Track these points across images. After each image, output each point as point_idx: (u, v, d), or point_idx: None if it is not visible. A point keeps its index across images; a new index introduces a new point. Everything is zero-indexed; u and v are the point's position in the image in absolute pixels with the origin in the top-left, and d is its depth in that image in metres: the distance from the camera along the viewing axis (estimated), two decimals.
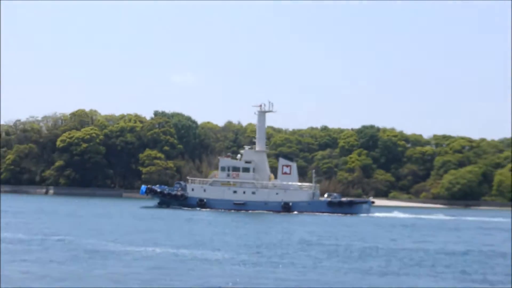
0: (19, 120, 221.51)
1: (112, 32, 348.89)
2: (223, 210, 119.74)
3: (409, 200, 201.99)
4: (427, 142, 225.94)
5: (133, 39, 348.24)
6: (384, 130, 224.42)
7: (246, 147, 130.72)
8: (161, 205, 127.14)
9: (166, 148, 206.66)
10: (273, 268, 45.39)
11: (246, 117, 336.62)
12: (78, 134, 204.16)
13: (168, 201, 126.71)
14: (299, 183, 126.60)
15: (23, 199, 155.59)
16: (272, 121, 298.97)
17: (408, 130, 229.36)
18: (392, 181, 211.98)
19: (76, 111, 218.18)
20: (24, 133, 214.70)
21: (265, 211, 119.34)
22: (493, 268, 49.18)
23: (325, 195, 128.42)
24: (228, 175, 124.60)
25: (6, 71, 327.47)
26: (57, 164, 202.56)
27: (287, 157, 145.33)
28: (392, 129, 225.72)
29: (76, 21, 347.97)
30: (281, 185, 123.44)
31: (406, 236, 76.41)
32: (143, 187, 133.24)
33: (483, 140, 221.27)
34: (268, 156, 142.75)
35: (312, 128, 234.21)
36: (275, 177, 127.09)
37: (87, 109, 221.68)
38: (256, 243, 60.87)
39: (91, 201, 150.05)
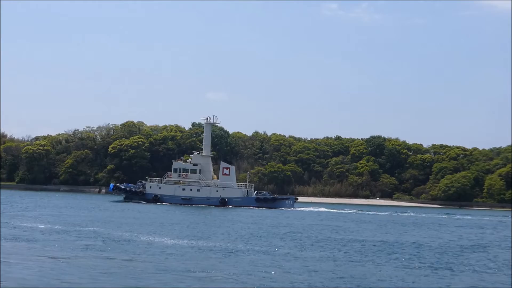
0: (77, 130, 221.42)
1: (155, 56, 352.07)
2: (173, 204, 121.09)
3: (411, 200, 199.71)
4: (427, 151, 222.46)
5: (174, 62, 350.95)
6: (390, 140, 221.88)
7: (195, 152, 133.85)
8: (125, 199, 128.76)
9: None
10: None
11: (270, 128, 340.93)
12: (127, 142, 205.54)
13: (130, 196, 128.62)
14: (236, 183, 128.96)
15: (80, 197, 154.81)
16: (293, 131, 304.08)
17: (410, 140, 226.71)
18: (396, 184, 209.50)
19: (126, 122, 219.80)
20: (81, 141, 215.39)
21: (207, 205, 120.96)
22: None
23: (255, 193, 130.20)
24: (179, 175, 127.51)
25: (64, 89, 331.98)
26: (108, 167, 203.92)
27: (227, 161, 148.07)
28: (396, 139, 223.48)
29: (124, 43, 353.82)
30: (221, 184, 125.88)
31: (303, 223, 79.50)
32: (111, 185, 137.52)
33: (475, 149, 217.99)
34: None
35: (327, 138, 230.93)
36: (218, 178, 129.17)
37: (135, 121, 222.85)
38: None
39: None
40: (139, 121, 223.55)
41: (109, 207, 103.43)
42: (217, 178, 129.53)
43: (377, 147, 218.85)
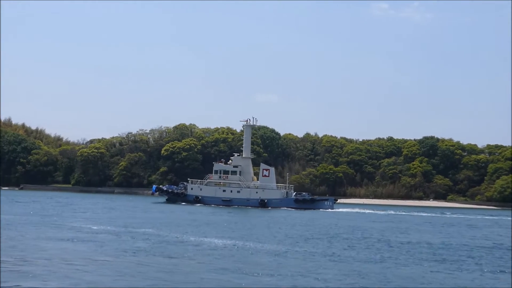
0: (130, 133, 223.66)
1: (203, 57, 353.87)
2: (213, 205, 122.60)
3: (465, 202, 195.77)
4: (481, 151, 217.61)
5: (222, 64, 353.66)
6: (443, 140, 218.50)
7: (235, 154, 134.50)
8: (168, 201, 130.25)
9: (253, 156, 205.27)
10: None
11: (321, 129, 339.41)
12: (179, 144, 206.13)
13: (172, 198, 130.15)
14: (276, 184, 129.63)
15: (132, 198, 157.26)
16: (344, 132, 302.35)
17: (464, 141, 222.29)
18: (450, 185, 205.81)
19: (178, 125, 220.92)
20: (135, 143, 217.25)
21: (247, 207, 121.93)
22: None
23: (294, 194, 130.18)
24: (220, 177, 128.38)
25: (118, 95, 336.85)
26: (161, 169, 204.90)
27: (267, 162, 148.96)
28: (450, 140, 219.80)
29: (173, 44, 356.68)
30: (260, 185, 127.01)
31: (350, 224, 79.34)
32: (154, 186, 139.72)
33: None
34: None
35: (379, 139, 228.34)
36: (258, 179, 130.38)
37: (187, 123, 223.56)
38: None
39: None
40: (191, 124, 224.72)
41: (153, 209, 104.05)
42: (257, 179, 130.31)
43: (430, 147, 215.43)
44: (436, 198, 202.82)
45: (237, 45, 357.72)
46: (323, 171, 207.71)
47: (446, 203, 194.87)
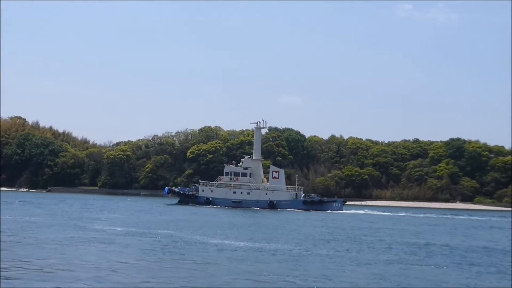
0: (156, 135, 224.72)
1: (227, 59, 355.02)
2: (224, 207, 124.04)
3: (493, 204, 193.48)
4: (509, 153, 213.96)
5: (246, 66, 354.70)
6: (470, 142, 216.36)
7: (246, 157, 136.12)
8: (180, 202, 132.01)
9: (278, 158, 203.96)
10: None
11: (347, 131, 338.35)
12: (204, 146, 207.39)
13: (184, 199, 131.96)
14: (286, 186, 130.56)
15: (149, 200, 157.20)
16: (370, 134, 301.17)
17: (491, 142, 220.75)
18: (477, 187, 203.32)
19: (203, 128, 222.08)
20: (160, 146, 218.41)
21: (256, 208, 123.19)
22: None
23: (302, 195, 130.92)
24: (231, 179, 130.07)
25: (144, 97, 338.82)
26: (187, 172, 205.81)
27: (277, 164, 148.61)
28: (477, 141, 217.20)
29: (195, 45, 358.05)
30: (270, 187, 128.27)
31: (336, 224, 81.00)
32: (166, 188, 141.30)
33: None
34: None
35: (405, 141, 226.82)
36: (268, 181, 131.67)
37: (212, 126, 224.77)
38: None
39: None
40: (216, 126, 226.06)
41: (168, 211, 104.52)
42: (267, 181, 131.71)
43: (456, 149, 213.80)
44: (463, 200, 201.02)
45: (260, 47, 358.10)
46: (348, 173, 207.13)
47: (473, 205, 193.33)
